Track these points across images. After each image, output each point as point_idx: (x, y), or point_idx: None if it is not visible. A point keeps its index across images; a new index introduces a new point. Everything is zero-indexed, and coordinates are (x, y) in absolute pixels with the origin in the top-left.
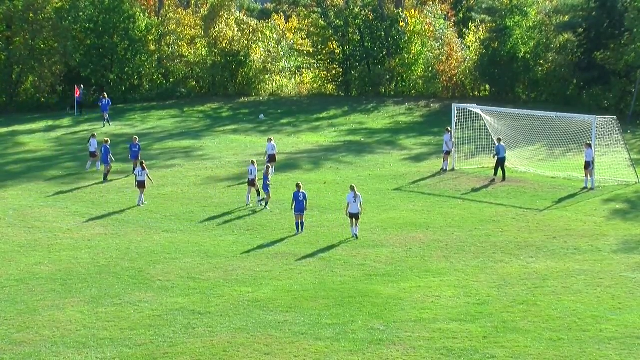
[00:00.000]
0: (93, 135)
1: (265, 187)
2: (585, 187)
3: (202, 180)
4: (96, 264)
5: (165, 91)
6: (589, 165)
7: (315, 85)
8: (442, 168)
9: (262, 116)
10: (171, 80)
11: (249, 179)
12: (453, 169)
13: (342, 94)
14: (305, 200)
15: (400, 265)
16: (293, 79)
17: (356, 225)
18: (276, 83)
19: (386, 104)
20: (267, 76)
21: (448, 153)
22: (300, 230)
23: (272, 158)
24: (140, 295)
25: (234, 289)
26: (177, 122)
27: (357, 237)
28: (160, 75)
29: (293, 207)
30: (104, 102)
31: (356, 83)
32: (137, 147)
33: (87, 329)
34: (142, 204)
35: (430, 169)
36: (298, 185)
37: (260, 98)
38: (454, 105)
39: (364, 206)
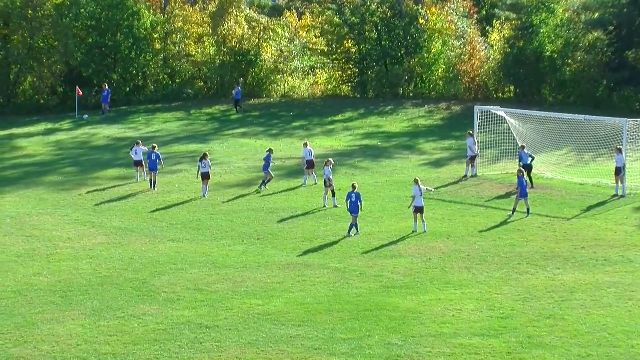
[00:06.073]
0: (137, 143)
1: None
2: (616, 195)
3: (210, 186)
4: (98, 275)
5: (171, 92)
6: (619, 172)
7: (329, 86)
8: (465, 174)
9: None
10: (177, 80)
11: (325, 181)
12: (475, 175)
13: (358, 96)
14: (360, 201)
15: (420, 276)
16: (306, 80)
17: (422, 219)
18: (288, 84)
19: (405, 106)
20: (278, 77)
21: (473, 158)
22: (356, 232)
23: (310, 164)
24: (145, 308)
25: (244, 302)
26: (184, 125)
27: (425, 232)
28: (165, 76)
29: (348, 207)
30: (104, 94)
31: (373, 84)
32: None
33: (89, 343)
34: (206, 195)
35: (452, 174)
36: (353, 186)
37: (272, 100)
38: (477, 108)
39: (381, 214)
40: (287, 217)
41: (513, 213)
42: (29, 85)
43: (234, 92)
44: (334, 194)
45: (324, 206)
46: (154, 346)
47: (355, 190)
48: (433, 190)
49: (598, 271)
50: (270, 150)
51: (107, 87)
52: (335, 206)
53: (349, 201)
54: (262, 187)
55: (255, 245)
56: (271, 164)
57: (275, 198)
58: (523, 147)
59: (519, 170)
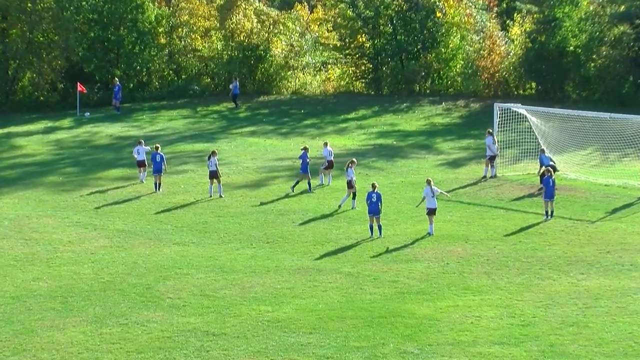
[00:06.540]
0: (139, 142)
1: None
2: None
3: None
4: (100, 279)
5: (176, 89)
6: None
7: (342, 82)
8: (484, 175)
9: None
10: (183, 76)
11: (348, 182)
12: (495, 176)
13: (372, 93)
14: (380, 201)
15: (436, 282)
16: (318, 76)
17: (431, 221)
18: (299, 80)
19: (421, 104)
20: (289, 73)
21: (492, 158)
22: (379, 233)
23: (330, 164)
24: (149, 315)
25: (252, 308)
26: (190, 123)
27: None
28: (171, 72)
29: (368, 208)
30: (115, 89)
31: (388, 80)
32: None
33: (90, 351)
34: (221, 195)
35: (470, 175)
36: (373, 185)
37: (282, 97)
38: (496, 105)
39: (397, 216)
40: (297, 220)
41: (547, 216)
42: (28, 81)
43: (231, 86)
44: (354, 196)
45: (339, 206)
46: (158, 354)
47: (376, 190)
48: (447, 194)
49: (624, 276)
50: (306, 149)
51: (117, 83)
52: (353, 208)
53: (369, 201)
54: (311, 190)
55: (264, 248)
56: (309, 162)
57: (285, 200)
58: (543, 151)
59: (547, 169)
